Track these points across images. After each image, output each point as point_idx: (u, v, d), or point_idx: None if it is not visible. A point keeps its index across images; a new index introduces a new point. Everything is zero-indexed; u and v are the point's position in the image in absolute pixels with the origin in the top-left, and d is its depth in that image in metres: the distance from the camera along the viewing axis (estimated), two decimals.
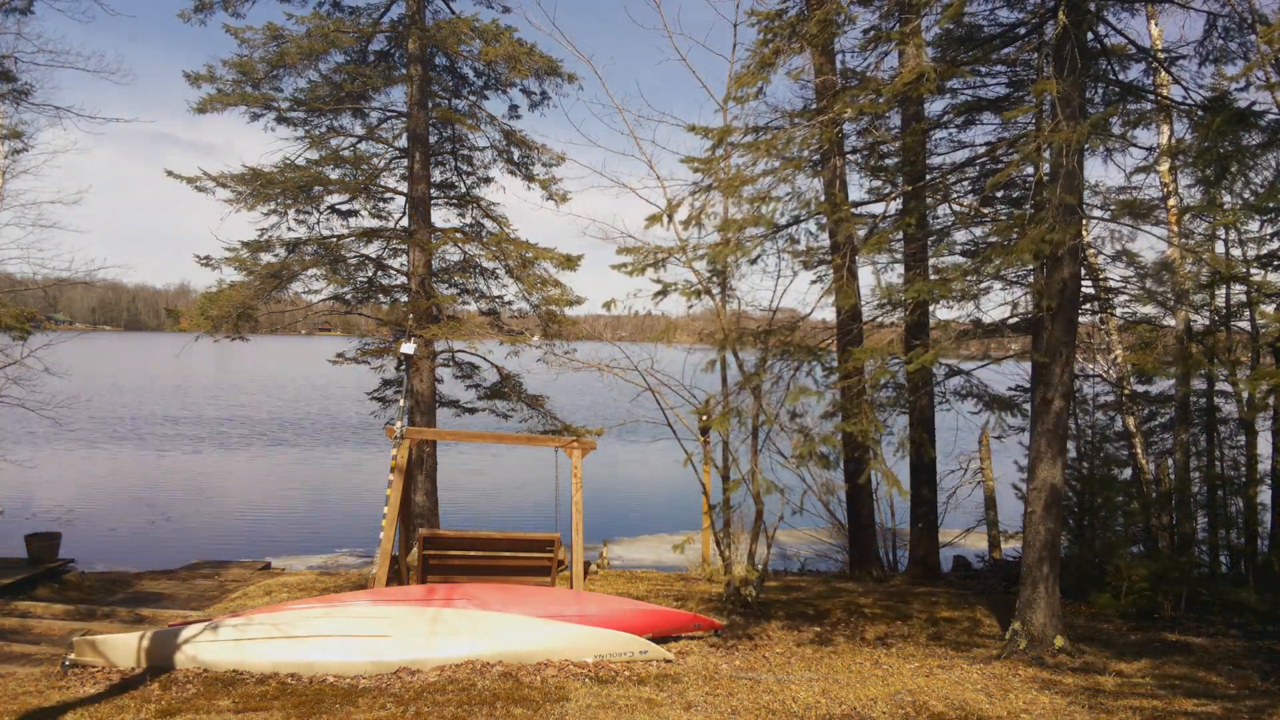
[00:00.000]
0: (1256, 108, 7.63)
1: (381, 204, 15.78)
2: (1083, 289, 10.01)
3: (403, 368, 12.86)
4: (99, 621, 9.70)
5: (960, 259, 11.53)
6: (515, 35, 14.77)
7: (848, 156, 12.02)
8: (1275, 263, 11.83)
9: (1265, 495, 11.62)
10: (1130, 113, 9.26)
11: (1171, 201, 11.66)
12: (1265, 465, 11.61)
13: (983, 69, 9.90)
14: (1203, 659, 8.20)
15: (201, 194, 13.91)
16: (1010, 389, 12.99)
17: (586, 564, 13.90)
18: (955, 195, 11.07)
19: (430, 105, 14.84)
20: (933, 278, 11.86)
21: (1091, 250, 11.33)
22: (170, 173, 14.03)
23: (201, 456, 28.58)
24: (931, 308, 12.50)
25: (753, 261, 9.25)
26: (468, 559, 10.02)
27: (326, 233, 15.04)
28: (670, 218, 9.18)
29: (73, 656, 7.40)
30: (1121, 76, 9.53)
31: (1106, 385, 12.71)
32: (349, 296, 15.49)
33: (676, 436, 10.93)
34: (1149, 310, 12.21)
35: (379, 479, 10.75)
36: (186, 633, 7.53)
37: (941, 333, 11.58)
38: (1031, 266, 9.50)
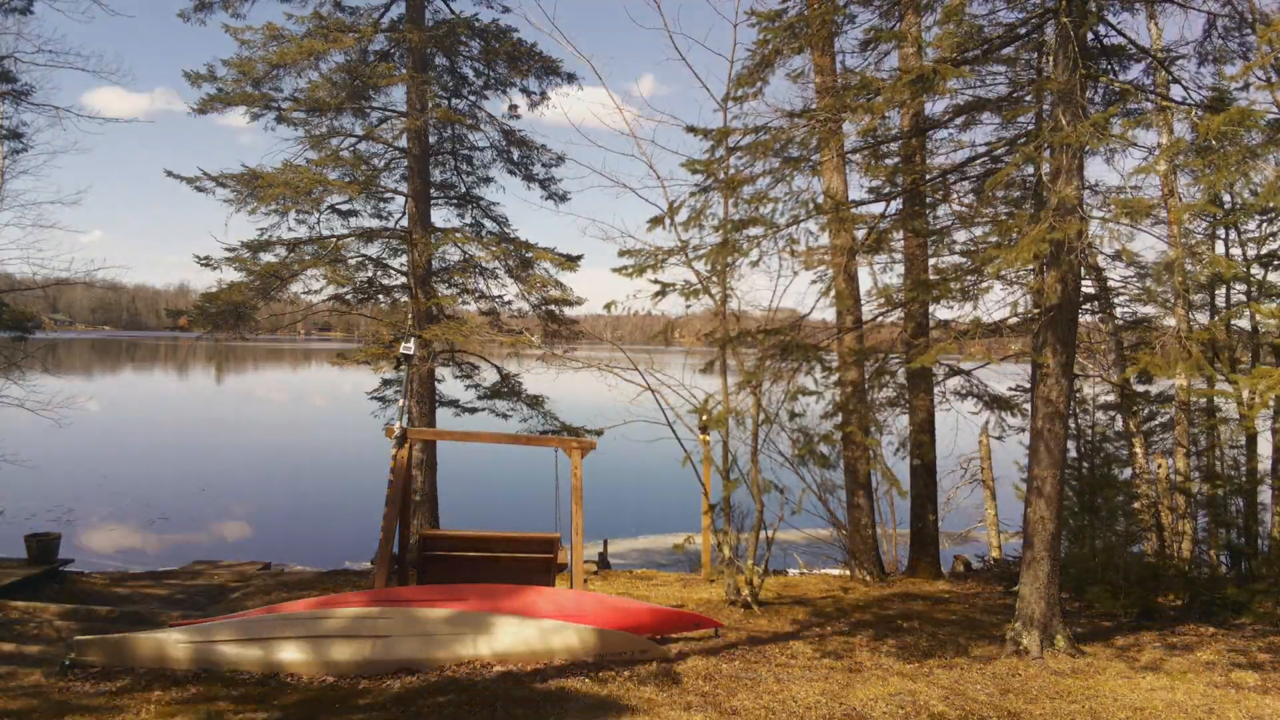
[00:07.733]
0: (1256, 107, 7.63)
1: (381, 204, 15.77)
2: (1083, 289, 10.01)
3: (402, 368, 12.85)
4: (99, 621, 9.70)
5: (960, 259, 11.53)
6: (515, 35, 14.80)
7: (848, 156, 12.01)
8: (1275, 263, 11.83)
9: (1265, 495, 11.61)
10: (1130, 112, 9.25)
11: (1171, 201, 11.67)
12: (1265, 465, 11.60)
13: (983, 69, 9.89)
14: (1202, 659, 8.19)
15: (202, 193, 13.93)
16: (1010, 389, 13.00)
17: (594, 565, 13.90)
18: (955, 195, 11.06)
19: (430, 105, 14.83)
20: (933, 278, 11.88)
21: (1091, 250, 11.33)
22: (169, 173, 14.04)
23: (202, 457, 28.57)
24: (931, 308, 12.50)
25: (754, 264, 9.23)
26: (467, 559, 10.02)
27: (326, 233, 15.03)
28: (671, 219, 9.16)
29: (73, 656, 7.40)
30: (1122, 76, 9.53)
31: (1106, 385, 12.71)
32: (349, 296, 15.48)
33: (676, 436, 10.92)
34: (1149, 310, 12.22)
35: (379, 479, 10.76)
36: (187, 633, 7.53)
37: (942, 333, 11.59)
38: (1031, 266, 9.50)
